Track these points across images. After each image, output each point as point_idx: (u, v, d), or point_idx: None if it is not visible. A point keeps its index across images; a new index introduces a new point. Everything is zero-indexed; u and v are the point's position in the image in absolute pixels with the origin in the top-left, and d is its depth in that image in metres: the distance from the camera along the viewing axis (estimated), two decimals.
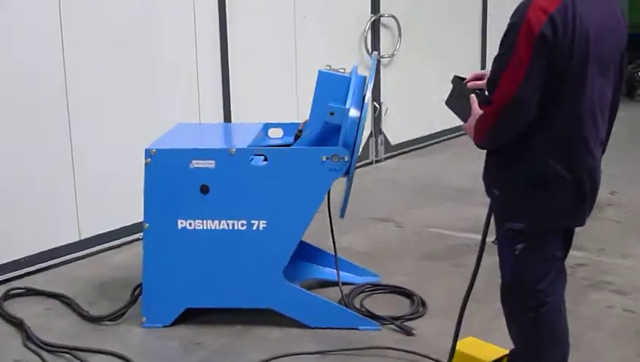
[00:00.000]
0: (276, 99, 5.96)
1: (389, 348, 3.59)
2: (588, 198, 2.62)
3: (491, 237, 2.93)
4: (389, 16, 6.81)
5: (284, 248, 3.74)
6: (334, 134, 3.72)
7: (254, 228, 3.70)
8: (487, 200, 6.11)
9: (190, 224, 3.72)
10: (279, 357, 3.54)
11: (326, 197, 3.93)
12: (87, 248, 4.77)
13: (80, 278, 4.46)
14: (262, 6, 5.76)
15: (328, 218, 4.08)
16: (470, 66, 8.02)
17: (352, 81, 3.73)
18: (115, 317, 3.89)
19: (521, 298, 2.74)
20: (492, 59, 2.56)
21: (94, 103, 4.73)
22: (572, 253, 2.94)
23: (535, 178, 2.58)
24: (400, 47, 6.87)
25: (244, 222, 3.70)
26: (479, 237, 4.94)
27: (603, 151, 2.69)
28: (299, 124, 4.05)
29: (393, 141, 7.09)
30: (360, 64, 6.57)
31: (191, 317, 3.85)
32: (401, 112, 7.02)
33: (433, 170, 6.79)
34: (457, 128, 7.89)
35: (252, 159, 3.71)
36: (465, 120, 2.76)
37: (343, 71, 3.86)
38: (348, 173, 3.67)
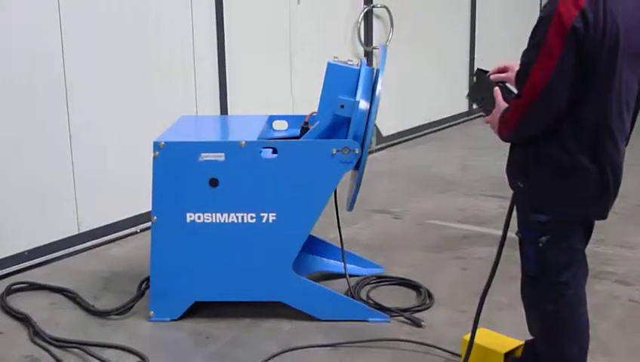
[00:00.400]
0: (271, 89, 5.93)
1: (400, 340, 3.60)
2: (612, 190, 2.64)
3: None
4: (381, 7, 6.81)
5: (293, 241, 3.73)
6: (343, 126, 3.71)
7: (264, 221, 3.69)
8: (481, 192, 6.19)
9: (199, 217, 3.69)
10: (292, 349, 3.53)
11: None
12: (86, 241, 4.72)
13: (81, 272, 4.42)
14: None
15: (335, 210, 4.07)
16: (459, 56, 8.08)
17: (361, 73, 3.72)
18: (123, 311, 3.86)
19: (543, 289, 2.76)
20: (521, 53, 2.56)
21: (92, 96, 4.67)
22: None
23: (560, 170, 2.60)
24: (392, 37, 6.87)
25: (254, 214, 3.68)
26: (477, 228, 5.10)
27: (626, 145, 2.71)
28: (304, 116, 4.04)
29: (385, 132, 7.10)
30: (353, 54, 6.60)
31: (199, 310, 3.83)
32: (392, 103, 7.02)
33: (425, 161, 6.81)
34: (445, 120, 7.97)
35: (261, 152, 3.69)
36: (488, 113, 2.76)
37: (351, 63, 3.85)
38: (358, 165, 3.66)
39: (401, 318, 3.82)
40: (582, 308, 2.81)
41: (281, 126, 4.23)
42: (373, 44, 6.82)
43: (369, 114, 3.63)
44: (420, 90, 7.34)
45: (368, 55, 6.78)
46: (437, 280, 4.24)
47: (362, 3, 6.73)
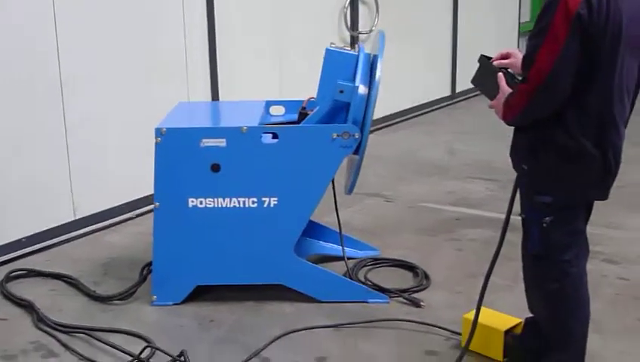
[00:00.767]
0: (259, 75, 5.97)
1: (401, 320, 3.68)
2: (613, 173, 2.74)
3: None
4: None
5: (294, 225, 3.79)
6: (342, 111, 3.77)
7: (265, 205, 3.74)
8: (469, 174, 6.30)
9: (201, 202, 3.74)
10: (295, 331, 3.59)
11: None
12: (82, 228, 4.74)
13: (79, 258, 4.44)
14: None
15: (333, 194, 4.13)
16: (443, 41, 8.17)
17: (359, 59, 3.78)
18: (125, 296, 3.90)
19: (547, 268, 2.85)
20: (527, 38, 2.63)
21: (86, 86, 4.68)
22: None
23: (564, 153, 2.68)
24: (377, 22, 6.92)
25: (255, 199, 3.74)
26: (468, 210, 5.19)
27: (624, 128, 2.80)
28: (301, 101, 4.08)
29: None
30: (340, 39, 6.66)
31: (201, 294, 3.88)
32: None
33: (413, 145, 6.89)
34: (430, 104, 8.05)
35: (262, 137, 3.74)
36: (492, 98, 2.83)
37: (348, 49, 3.91)
38: (357, 150, 3.73)
39: (400, 299, 3.90)
40: (583, 287, 2.91)
41: (278, 111, 4.27)
42: (359, 29, 6.87)
43: (368, 99, 3.69)
44: (405, 75, 7.40)
45: (354, 40, 6.84)
46: (432, 261, 4.33)
47: None
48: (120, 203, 4.94)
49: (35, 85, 4.41)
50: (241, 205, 3.74)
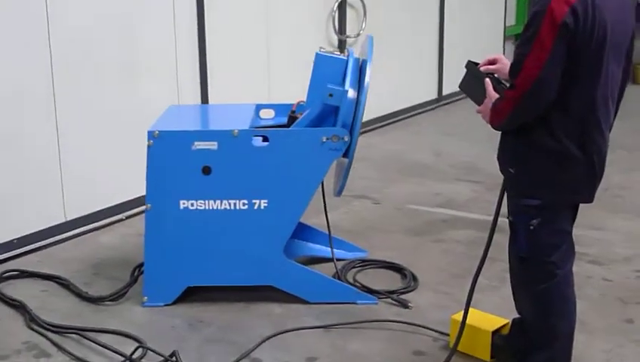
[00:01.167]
0: (248, 78, 6.01)
1: (389, 321, 3.74)
2: (598, 175, 2.81)
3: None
4: None
5: (284, 227, 3.84)
6: (331, 115, 3.82)
7: (255, 207, 3.79)
8: (455, 176, 6.37)
9: (192, 204, 3.78)
10: (285, 331, 3.64)
11: None
12: (73, 229, 4.77)
13: (70, 259, 4.47)
14: None
15: (322, 197, 4.18)
16: (429, 44, 8.24)
17: (349, 63, 3.83)
18: (116, 297, 3.93)
19: (533, 270, 2.91)
20: (515, 46, 2.69)
21: (78, 88, 4.70)
22: None
23: (550, 157, 2.75)
24: (365, 26, 6.98)
25: (246, 201, 3.78)
26: (454, 212, 5.27)
27: (609, 132, 2.87)
28: (291, 105, 4.14)
29: None
30: (328, 43, 6.71)
31: (191, 295, 3.92)
32: None
33: (399, 147, 6.96)
34: (416, 107, 8.12)
35: (252, 140, 3.78)
36: (479, 103, 2.89)
37: (337, 53, 3.96)
38: (346, 153, 3.78)
39: (388, 300, 3.95)
40: (570, 287, 2.97)
41: (268, 114, 4.32)
42: (347, 33, 6.93)
43: (357, 103, 3.75)
44: (392, 77, 7.46)
45: (342, 44, 6.89)
46: (420, 263, 4.38)
47: None
48: (110, 204, 4.96)
49: (26, 86, 4.43)
50: (232, 207, 3.78)
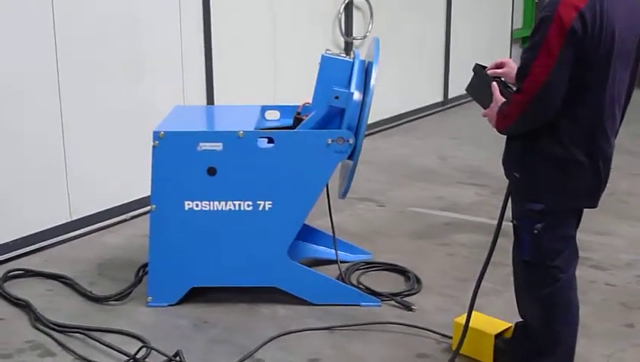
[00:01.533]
0: (254, 80, 6.02)
1: (392, 323, 3.74)
2: (603, 181, 2.81)
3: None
4: None
5: (288, 228, 3.85)
6: (337, 117, 3.83)
7: (260, 208, 3.80)
8: (459, 180, 6.38)
9: (197, 205, 3.79)
10: (289, 333, 3.66)
11: None
12: (78, 229, 4.78)
13: (75, 259, 4.49)
14: None
15: (327, 199, 4.19)
16: (436, 47, 8.24)
17: (354, 65, 3.84)
18: (121, 297, 3.95)
19: (537, 274, 2.92)
20: (521, 52, 2.70)
21: (84, 88, 4.72)
22: None
23: (556, 162, 2.75)
24: (371, 28, 6.99)
25: (251, 203, 3.79)
26: (458, 215, 5.27)
27: (615, 137, 2.87)
28: (296, 106, 4.15)
29: None
30: (334, 45, 6.72)
31: (196, 296, 3.93)
32: None
33: (404, 150, 6.96)
34: (422, 110, 8.13)
35: (257, 141, 3.79)
36: (485, 107, 2.90)
37: (344, 56, 3.97)
38: (352, 155, 3.79)
39: (391, 302, 3.96)
40: (573, 292, 2.98)
41: (273, 116, 4.33)
42: (354, 35, 6.94)
43: (363, 105, 3.76)
44: (398, 80, 7.48)
45: (348, 46, 6.91)
46: (423, 266, 4.39)
47: None
48: (115, 205, 4.98)
49: (31, 86, 4.45)
50: (237, 208, 3.79)
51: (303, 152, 3.77)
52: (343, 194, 4.00)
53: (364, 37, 6.98)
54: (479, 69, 2.97)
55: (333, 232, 4.23)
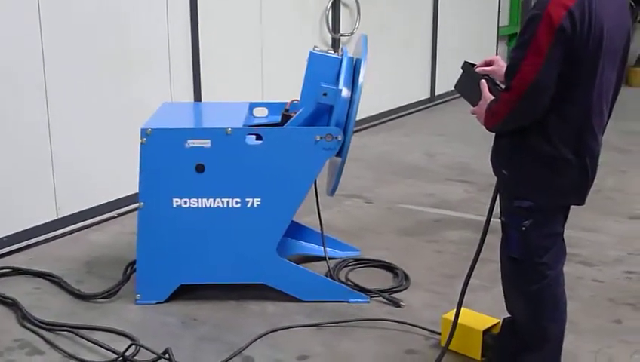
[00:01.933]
0: (242, 77, 6.02)
1: (381, 319, 3.75)
2: (590, 179, 2.82)
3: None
4: None
5: (277, 225, 3.85)
6: (325, 114, 3.83)
7: (248, 205, 3.79)
8: (448, 177, 6.39)
9: (185, 202, 3.78)
10: (278, 329, 3.65)
11: None
12: (65, 227, 4.76)
13: (62, 257, 4.47)
14: None
15: (315, 195, 4.19)
16: (422, 44, 8.25)
17: (343, 62, 3.84)
18: (109, 294, 3.93)
19: (525, 271, 2.93)
20: (510, 50, 2.71)
21: (70, 85, 4.69)
22: None
23: (544, 160, 2.76)
24: (359, 25, 7.00)
25: (239, 199, 3.79)
26: (446, 212, 5.28)
27: (602, 135, 2.88)
28: (284, 103, 4.14)
29: None
30: (321, 42, 6.72)
31: (185, 293, 3.92)
32: None
33: (391, 147, 6.97)
34: (408, 106, 8.14)
35: (246, 138, 3.79)
36: (474, 104, 2.90)
37: (332, 52, 3.97)
38: (340, 152, 3.79)
39: (380, 299, 3.96)
40: (560, 288, 2.99)
41: (261, 113, 4.33)
42: (341, 32, 6.94)
43: (351, 102, 3.76)
44: (385, 77, 7.48)
45: (336, 42, 6.91)
46: (412, 262, 4.40)
47: None
48: (103, 202, 4.96)
49: (18, 84, 4.42)
50: (225, 205, 3.79)
51: (292, 149, 3.76)
52: (332, 191, 4.00)
53: (352, 34, 6.99)
54: (468, 67, 2.98)
55: (322, 229, 4.23)
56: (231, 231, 3.82)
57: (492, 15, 9.49)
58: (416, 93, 8.27)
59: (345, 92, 3.75)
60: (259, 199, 3.79)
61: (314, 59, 3.87)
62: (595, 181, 2.91)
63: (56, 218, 4.71)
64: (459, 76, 3.00)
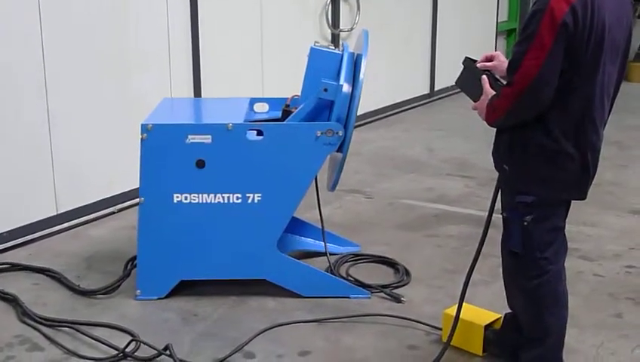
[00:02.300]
0: (242, 72, 6.00)
1: (382, 315, 3.74)
2: (591, 173, 2.82)
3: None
4: None
5: (278, 221, 3.84)
6: (326, 109, 3.82)
7: (249, 201, 3.79)
8: (447, 172, 6.39)
9: (186, 198, 3.77)
10: (278, 325, 3.65)
11: None
12: (65, 222, 4.75)
13: (62, 252, 4.46)
14: None
15: (316, 191, 4.18)
16: (421, 39, 8.24)
17: (343, 58, 3.83)
18: (109, 290, 3.92)
19: (526, 265, 2.93)
20: (512, 45, 2.71)
21: (70, 81, 4.68)
22: None
23: (546, 155, 2.76)
24: (358, 20, 6.98)
25: (240, 195, 3.78)
26: (446, 207, 5.28)
27: (603, 129, 2.88)
28: (285, 99, 4.13)
29: None
30: (321, 37, 6.71)
31: (185, 289, 3.92)
32: None
33: (391, 142, 6.96)
34: (407, 102, 8.13)
35: (246, 134, 3.78)
36: (475, 100, 2.90)
37: (333, 47, 3.97)
38: (341, 148, 3.78)
39: (381, 294, 3.96)
40: (562, 283, 2.99)
41: (262, 108, 4.32)
42: (341, 27, 6.93)
43: (352, 97, 3.75)
44: (385, 72, 7.47)
45: (336, 38, 6.89)
46: (412, 257, 4.40)
47: None
48: (103, 197, 4.95)
49: (17, 79, 4.41)
50: (226, 201, 3.78)
51: (292, 145, 3.76)
52: (332, 187, 4.00)
53: (352, 29, 6.97)
54: (469, 63, 2.97)
55: (322, 224, 4.23)
56: (231, 226, 3.81)
57: (491, 11, 9.48)
58: (415, 89, 8.26)
59: (346, 87, 3.74)
60: (259, 195, 3.79)
61: (315, 54, 3.86)
62: (595, 175, 2.91)
63: (56, 213, 4.70)
64: (460, 72, 3.00)
